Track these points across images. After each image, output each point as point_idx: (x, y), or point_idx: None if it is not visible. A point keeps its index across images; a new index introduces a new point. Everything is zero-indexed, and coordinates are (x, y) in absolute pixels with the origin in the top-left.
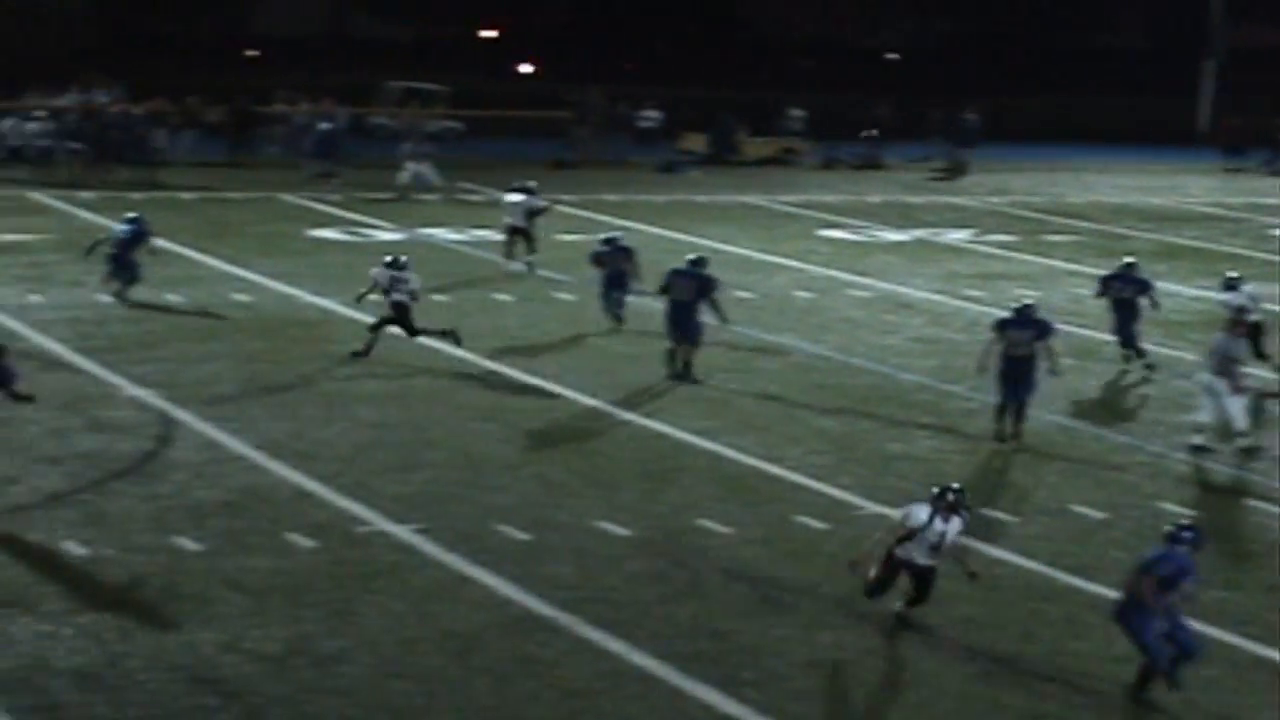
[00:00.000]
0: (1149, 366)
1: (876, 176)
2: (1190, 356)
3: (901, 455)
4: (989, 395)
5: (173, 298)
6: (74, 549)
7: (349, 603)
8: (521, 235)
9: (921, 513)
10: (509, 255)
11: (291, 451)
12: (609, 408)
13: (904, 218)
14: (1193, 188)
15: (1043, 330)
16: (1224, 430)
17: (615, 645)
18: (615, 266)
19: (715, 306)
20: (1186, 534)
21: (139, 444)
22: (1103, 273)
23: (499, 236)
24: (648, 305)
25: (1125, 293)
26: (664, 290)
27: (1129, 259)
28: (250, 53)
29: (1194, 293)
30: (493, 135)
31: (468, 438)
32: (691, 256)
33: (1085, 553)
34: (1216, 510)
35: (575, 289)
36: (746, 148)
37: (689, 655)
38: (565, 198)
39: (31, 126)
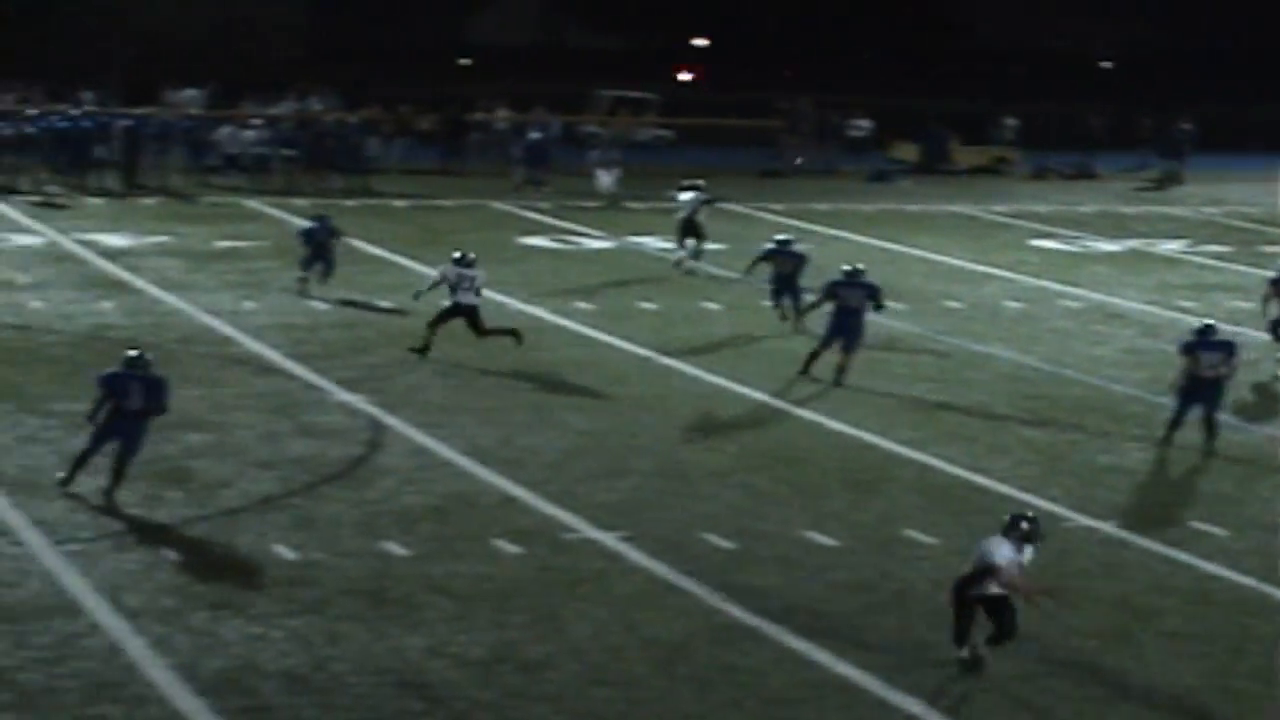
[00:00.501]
0: None
1: (1089, 186)
2: None
3: (1111, 468)
4: (1191, 412)
5: (384, 304)
6: (284, 553)
7: (554, 609)
8: (693, 230)
9: (1003, 547)
10: (681, 246)
11: (499, 458)
12: (817, 417)
13: (1117, 228)
14: None
15: (1230, 350)
16: None
17: (820, 655)
18: (786, 268)
19: (878, 312)
20: None
21: (349, 449)
22: None
23: (711, 245)
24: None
25: None
26: (829, 299)
27: None
28: (463, 61)
29: None
30: (703, 144)
31: (675, 446)
32: (847, 267)
33: None
34: None
35: None
36: (958, 157)
37: (893, 666)
38: (774, 206)
39: (247, 135)
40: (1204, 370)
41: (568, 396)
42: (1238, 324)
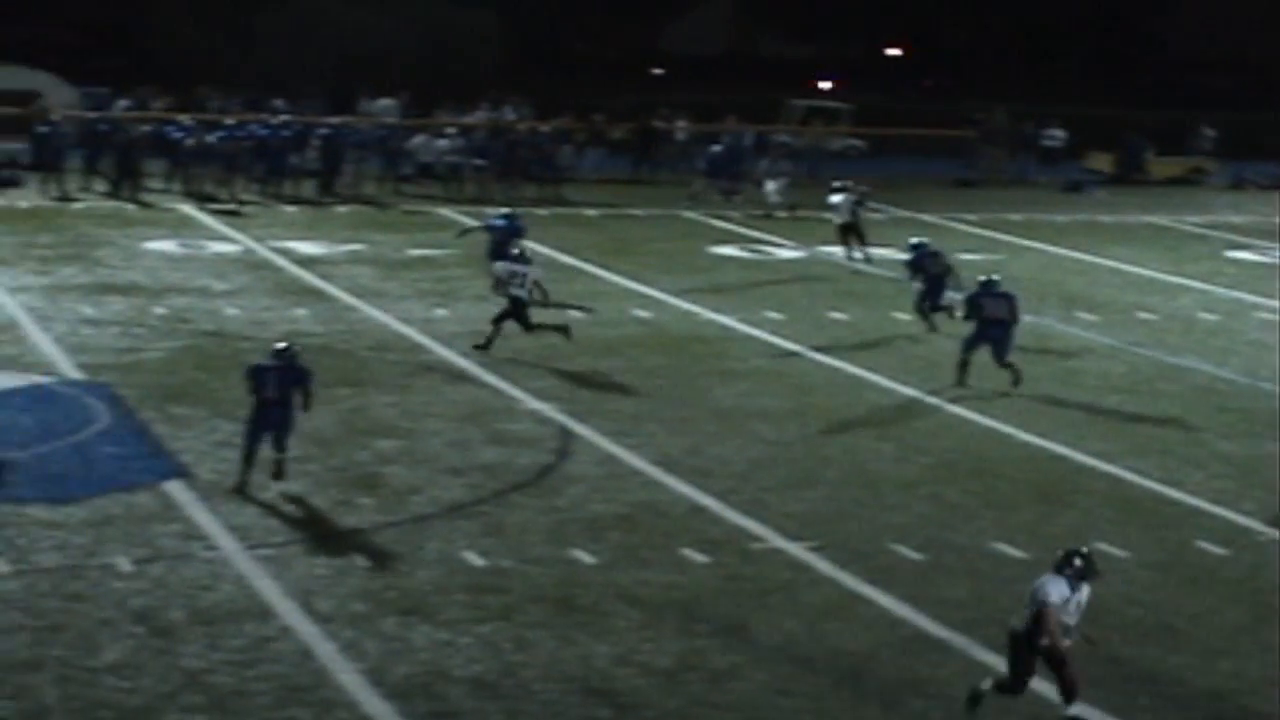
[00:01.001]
0: None
1: None
2: None
3: None
4: None
5: (574, 313)
6: (473, 559)
7: (742, 619)
8: (853, 231)
9: (1061, 585)
10: (849, 255)
11: (688, 467)
12: (1008, 429)
13: None
14: None
15: None
16: None
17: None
18: (932, 271)
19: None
20: None
21: (538, 457)
22: None
23: (900, 255)
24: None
25: None
26: (974, 311)
27: None
28: (656, 71)
29: None
30: (896, 154)
31: (864, 456)
32: (983, 278)
33: None
34: None
35: None
36: (1153, 167)
37: (1083, 680)
38: (967, 217)
39: (441, 143)
40: None
41: (757, 406)
42: None
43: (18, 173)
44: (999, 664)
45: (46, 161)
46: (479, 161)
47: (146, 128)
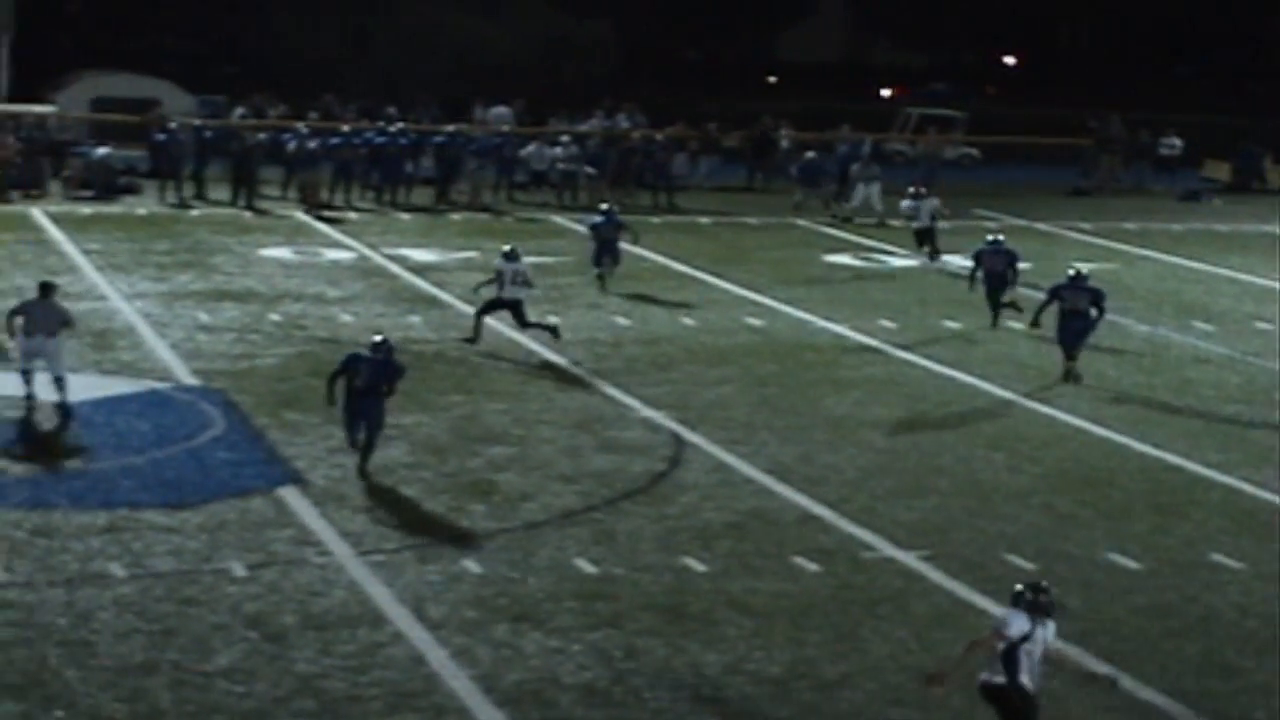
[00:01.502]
0: None
1: None
2: None
3: None
4: None
5: (688, 321)
6: (584, 566)
7: (852, 628)
8: (929, 237)
9: (1021, 619)
10: (931, 258)
11: (800, 475)
12: (1122, 439)
13: None
14: None
15: None
16: None
17: (1122, 680)
18: (996, 266)
19: (1100, 315)
20: None
21: (650, 465)
22: None
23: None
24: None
25: None
26: (1054, 301)
27: None
28: (770, 78)
29: None
30: (1010, 162)
31: (976, 465)
32: (1071, 270)
33: None
34: None
35: None
36: (1272, 175)
37: (1198, 692)
38: (1083, 226)
39: (555, 151)
40: None
41: (869, 414)
42: None
43: (136, 180)
44: (1111, 674)
45: (164, 169)
46: (590, 170)
47: (262, 135)
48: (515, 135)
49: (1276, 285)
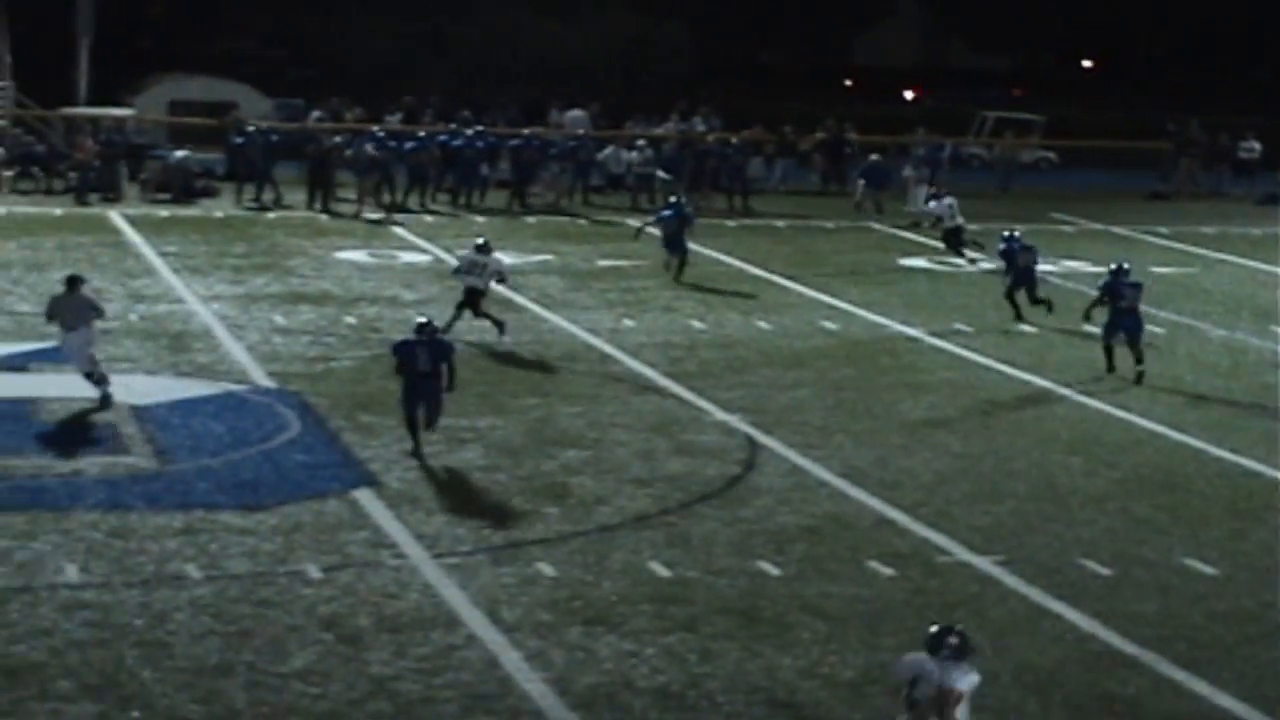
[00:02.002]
0: None
1: None
2: None
3: None
4: None
5: (762, 324)
6: (659, 570)
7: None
8: (956, 237)
9: (928, 665)
10: (959, 255)
11: (874, 479)
12: (1199, 443)
13: None
14: None
15: None
16: None
17: (1198, 686)
18: (1021, 264)
19: None
20: None
21: (725, 468)
22: None
23: (1091, 268)
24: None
25: None
26: (1106, 297)
27: None
28: (846, 82)
29: None
30: (1087, 166)
31: (1052, 470)
32: (1113, 265)
33: None
34: None
35: (1165, 324)
36: None
37: (1275, 699)
38: (1160, 230)
39: (631, 155)
40: None
41: (945, 418)
42: None
43: (212, 183)
44: (1188, 681)
45: (241, 172)
46: (663, 174)
47: (339, 138)
48: (591, 138)
49: None
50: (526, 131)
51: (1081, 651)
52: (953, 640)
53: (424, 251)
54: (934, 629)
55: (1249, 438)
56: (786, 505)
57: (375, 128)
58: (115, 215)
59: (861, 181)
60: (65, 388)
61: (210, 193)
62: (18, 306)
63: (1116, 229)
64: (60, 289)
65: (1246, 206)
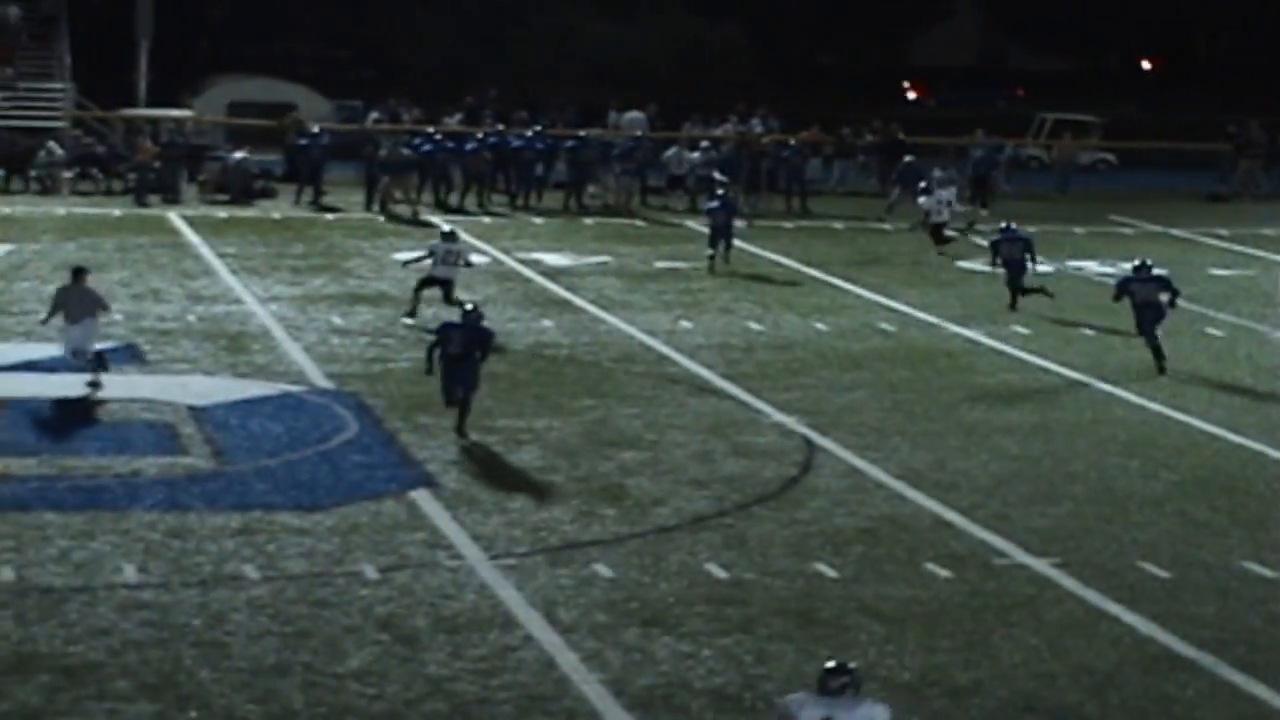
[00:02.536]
0: None
1: None
2: None
3: None
4: None
5: (820, 326)
6: (715, 571)
7: (984, 635)
8: (941, 231)
9: (807, 706)
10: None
11: (932, 481)
12: (1258, 446)
13: None
14: None
15: None
16: None
17: (1258, 689)
18: (1013, 254)
19: (1174, 301)
20: None
21: (782, 470)
22: None
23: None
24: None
25: None
26: (1124, 295)
27: None
28: (905, 84)
29: None
30: (1146, 167)
31: (1110, 472)
32: (1136, 262)
33: None
34: None
35: (1224, 325)
36: None
37: None
38: (1220, 231)
39: (692, 156)
40: None
41: (1002, 420)
42: None
43: (271, 184)
44: (1247, 684)
45: (300, 173)
46: (719, 176)
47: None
48: (650, 139)
49: None
50: (583, 133)
51: (1140, 654)
52: (842, 679)
53: (481, 252)
54: (826, 665)
55: None
56: (843, 507)
57: (430, 129)
58: (174, 216)
59: (897, 185)
60: (125, 388)
61: (268, 194)
62: None
63: (1175, 231)
64: (68, 281)
65: None
